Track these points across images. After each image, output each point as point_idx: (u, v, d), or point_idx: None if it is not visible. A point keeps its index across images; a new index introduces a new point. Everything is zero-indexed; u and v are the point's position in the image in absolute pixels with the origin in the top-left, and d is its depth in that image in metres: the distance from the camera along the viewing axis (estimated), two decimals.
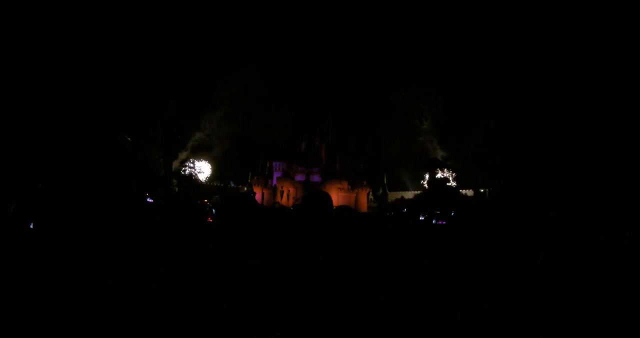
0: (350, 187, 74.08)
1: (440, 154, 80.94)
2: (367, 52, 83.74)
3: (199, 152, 79.56)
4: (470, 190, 73.13)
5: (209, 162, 79.85)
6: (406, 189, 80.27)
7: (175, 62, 72.73)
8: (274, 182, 75.56)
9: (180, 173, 74.73)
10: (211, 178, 79.59)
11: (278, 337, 3.08)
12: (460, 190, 73.59)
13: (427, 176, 77.49)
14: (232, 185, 79.58)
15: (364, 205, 73.48)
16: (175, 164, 74.15)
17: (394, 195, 78.39)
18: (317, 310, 4.26)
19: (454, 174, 76.24)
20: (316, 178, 75.58)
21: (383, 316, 4.48)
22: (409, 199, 73.91)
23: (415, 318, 4.62)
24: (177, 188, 69.27)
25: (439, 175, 76.03)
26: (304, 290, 4.41)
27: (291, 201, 70.24)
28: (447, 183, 74.03)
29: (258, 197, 71.60)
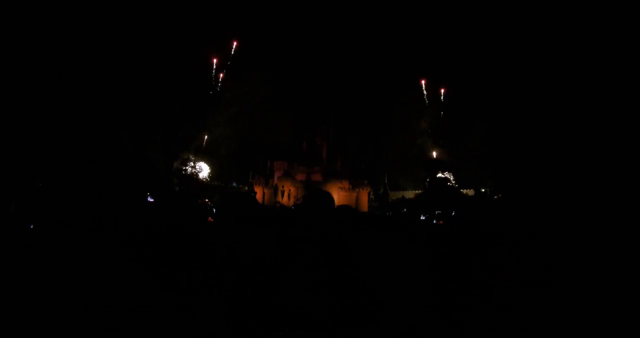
0: (351, 187, 74.01)
1: (440, 154, 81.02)
2: (368, 53, 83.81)
3: (200, 152, 79.77)
4: (471, 189, 73.04)
5: (210, 161, 79.89)
6: (407, 189, 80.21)
7: (179, 65, 73.15)
8: (275, 181, 75.48)
9: (182, 172, 74.69)
10: (212, 178, 79.59)
11: (279, 336, 3.08)
12: (461, 190, 73.51)
13: (428, 176, 77.42)
14: (234, 184, 79.63)
15: (364, 205, 73.43)
16: (176, 164, 74.17)
17: (394, 195, 78.30)
18: (317, 309, 4.27)
19: (452, 175, 76.19)
20: (317, 177, 75.47)
21: (382, 315, 4.49)
22: (409, 199, 73.81)
23: (414, 317, 4.64)
24: (177, 188, 69.22)
25: (440, 175, 75.95)
26: (305, 289, 4.43)
27: (292, 200, 70.13)
28: (448, 183, 73.91)
29: (259, 196, 71.56)
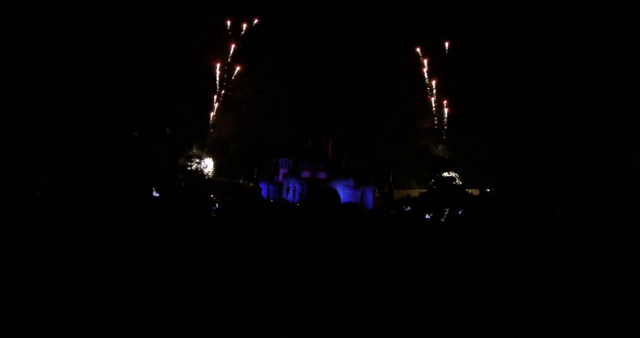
0: (356, 185, 73.85)
1: (445, 153, 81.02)
2: (373, 52, 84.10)
3: (206, 148, 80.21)
4: (476, 189, 72.73)
5: (217, 157, 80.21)
6: (413, 187, 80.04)
7: (189, 65, 73.81)
8: (280, 178, 75.57)
9: (187, 168, 74.85)
10: (218, 174, 79.86)
11: (285, 332, 3.00)
12: (467, 190, 73.18)
13: (433, 175, 77.20)
14: (241, 181, 79.91)
15: (369, 203, 73.29)
16: (182, 160, 74.37)
17: (400, 193, 78.09)
18: (321, 306, 4.20)
19: (458, 174, 75.90)
20: (322, 175, 75.46)
21: (385, 313, 4.42)
22: (414, 197, 73.61)
23: (416, 314, 4.56)
24: (183, 183, 69.25)
25: (445, 174, 75.62)
26: (307, 285, 4.35)
27: (297, 197, 70.22)
28: (454, 183, 73.54)
29: (264, 193, 71.74)
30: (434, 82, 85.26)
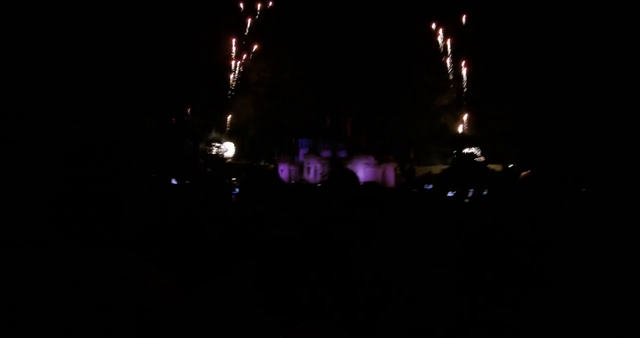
0: (377, 162, 73.44)
1: (466, 128, 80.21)
2: (389, 29, 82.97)
3: (225, 132, 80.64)
4: (499, 165, 71.98)
5: (236, 141, 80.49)
6: (436, 164, 79.38)
7: (203, 50, 73.68)
8: (301, 158, 75.53)
9: (207, 153, 75.29)
10: (238, 157, 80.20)
11: (304, 327, 2.81)
12: (489, 165, 72.42)
13: (454, 151, 76.38)
14: (262, 163, 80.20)
15: (391, 180, 72.91)
16: (202, 145, 74.76)
17: (421, 170, 77.59)
18: (337, 301, 4.03)
19: (480, 150, 74.93)
20: (342, 153, 75.16)
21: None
22: (436, 174, 73.10)
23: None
24: (209, 169, 69.73)
25: (466, 150, 74.78)
26: (325, 280, 4.18)
27: (318, 177, 70.15)
28: (475, 159, 72.71)
29: (285, 173, 71.77)
30: (448, 45, 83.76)
